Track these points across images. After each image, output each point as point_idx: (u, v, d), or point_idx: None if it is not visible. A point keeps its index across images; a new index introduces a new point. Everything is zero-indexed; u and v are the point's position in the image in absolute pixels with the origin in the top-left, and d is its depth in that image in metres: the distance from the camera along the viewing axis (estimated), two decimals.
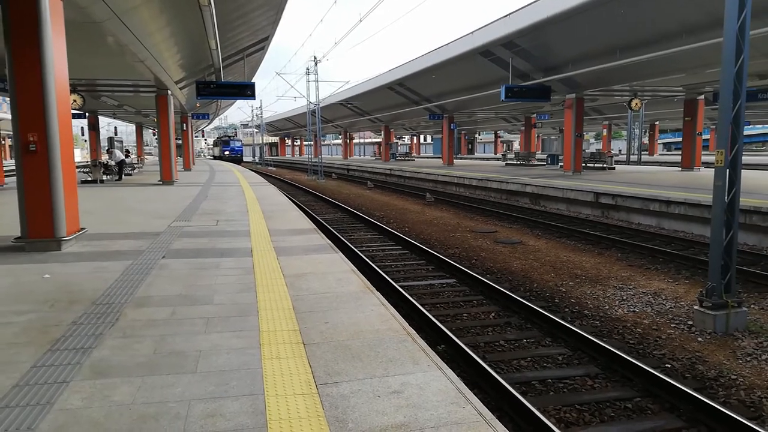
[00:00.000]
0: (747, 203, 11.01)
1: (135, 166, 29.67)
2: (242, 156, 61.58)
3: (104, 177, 21.69)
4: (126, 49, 12.80)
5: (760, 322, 6.51)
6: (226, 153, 59.28)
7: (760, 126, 63.27)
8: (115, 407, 3.00)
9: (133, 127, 48.60)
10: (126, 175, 24.10)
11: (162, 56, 15.51)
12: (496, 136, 74.87)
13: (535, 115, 36.12)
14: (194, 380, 3.34)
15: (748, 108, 32.05)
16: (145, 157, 49.19)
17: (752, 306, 7.16)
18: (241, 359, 3.67)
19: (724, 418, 4.11)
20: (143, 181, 22.12)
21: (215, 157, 67.29)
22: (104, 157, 25.79)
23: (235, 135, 75.71)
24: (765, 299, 7.50)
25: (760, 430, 3.90)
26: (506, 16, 19.48)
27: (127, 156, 27.30)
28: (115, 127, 51.47)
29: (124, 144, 44.43)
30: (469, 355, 5.24)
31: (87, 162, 31.18)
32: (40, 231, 7.29)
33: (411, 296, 7.32)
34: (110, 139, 31.54)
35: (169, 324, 4.36)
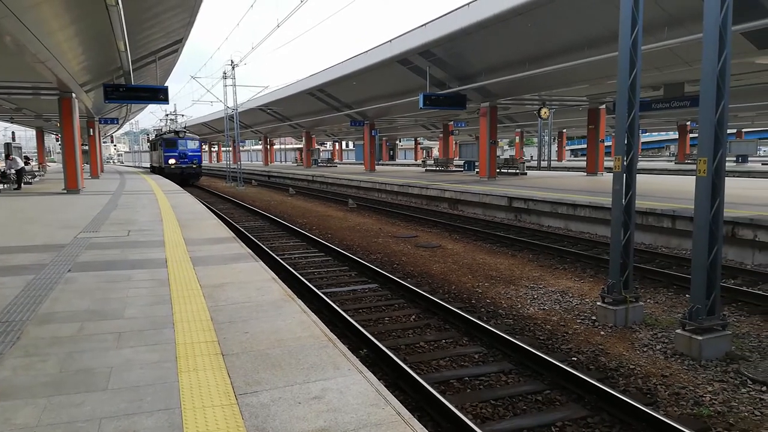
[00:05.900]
0: (643, 205, 11.93)
1: (36, 174, 27.68)
2: (200, 167, 35.72)
3: (1, 186, 20.09)
4: (24, 48, 11.94)
5: (654, 315, 7.08)
6: (172, 162, 33.78)
7: (656, 134, 68.68)
8: (17, 431, 2.82)
9: (33, 132, 45.28)
10: (26, 183, 22.46)
11: (65, 57, 14.61)
12: (416, 143, 76.42)
13: (452, 122, 37.23)
14: (105, 397, 3.21)
15: (645, 117, 34.73)
16: (48, 164, 45.93)
17: (648, 300, 7.76)
18: (155, 373, 3.56)
19: (624, 405, 4.45)
20: (46, 189, 20.69)
21: (153, 169, 42.03)
22: (1, 165, 23.89)
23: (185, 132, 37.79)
24: (659, 294, 8.17)
25: (654, 414, 4.25)
26: (423, 25, 19.99)
27: (26, 163, 25.44)
28: (13, 132, 47.57)
29: (23, 150, 41.30)
30: (390, 357, 5.34)
31: None
32: None
33: (334, 302, 7.34)
34: (7, 145, 29.35)
35: (76, 341, 4.15)
